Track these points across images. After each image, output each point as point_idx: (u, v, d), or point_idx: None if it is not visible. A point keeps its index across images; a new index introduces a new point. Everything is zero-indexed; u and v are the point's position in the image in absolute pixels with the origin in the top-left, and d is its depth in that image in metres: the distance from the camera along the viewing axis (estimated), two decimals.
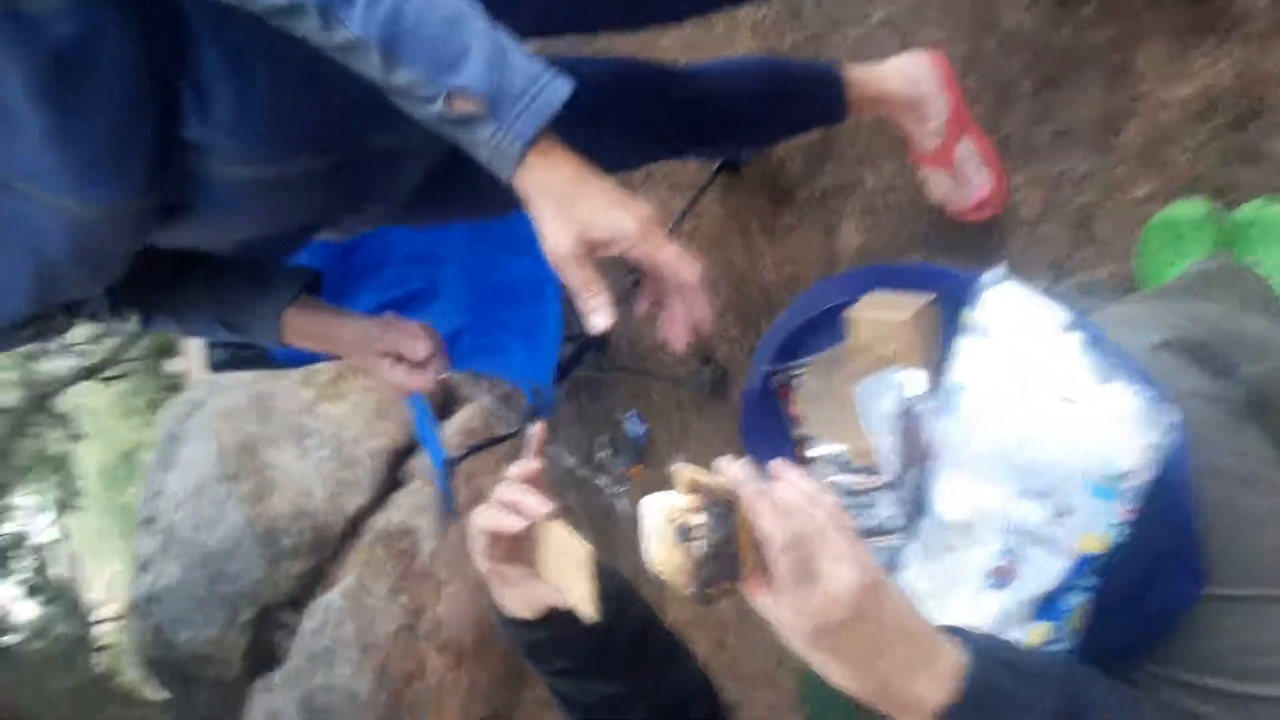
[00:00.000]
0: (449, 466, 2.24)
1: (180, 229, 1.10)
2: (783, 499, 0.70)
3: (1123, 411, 0.83)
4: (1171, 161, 1.39)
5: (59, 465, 11.54)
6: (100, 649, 9.48)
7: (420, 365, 1.23)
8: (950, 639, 0.70)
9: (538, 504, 0.84)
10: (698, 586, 0.71)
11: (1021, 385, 0.88)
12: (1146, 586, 0.88)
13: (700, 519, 0.71)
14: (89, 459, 14.30)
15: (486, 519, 0.85)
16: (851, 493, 1.21)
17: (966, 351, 0.95)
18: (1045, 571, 0.87)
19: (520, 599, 0.90)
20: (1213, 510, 0.85)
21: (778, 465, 0.76)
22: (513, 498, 0.84)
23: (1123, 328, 0.97)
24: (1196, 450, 0.85)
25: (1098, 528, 0.83)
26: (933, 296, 1.06)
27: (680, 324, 0.98)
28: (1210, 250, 1.31)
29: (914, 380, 1.02)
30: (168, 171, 0.99)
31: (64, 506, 12.98)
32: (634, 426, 2.75)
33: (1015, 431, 0.87)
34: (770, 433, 1.27)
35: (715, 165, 2.16)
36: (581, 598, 0.81)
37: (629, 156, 1.53)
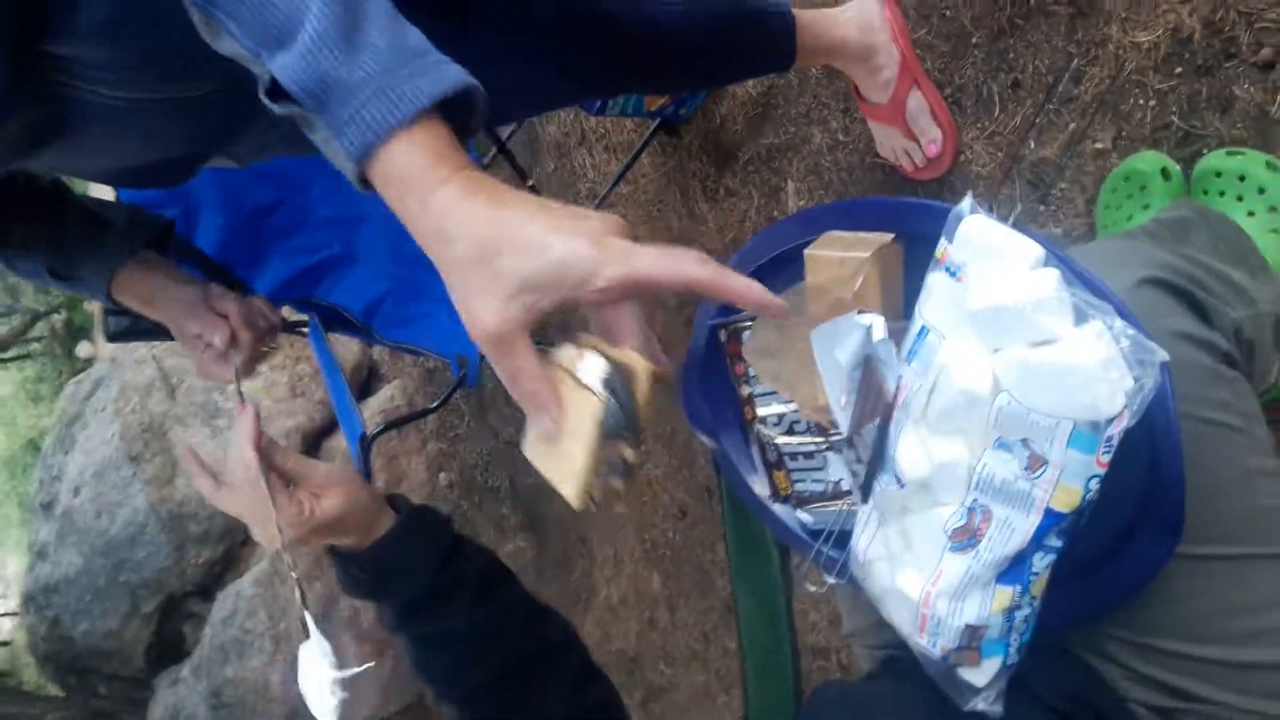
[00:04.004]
0: (365, 443, 2.11)
1: (48, 154, 0.96)
2: None
3: (1104, 352, 0.75)
4: (1134, 110, 1.33)
5: None
6: (1, 644, 9.08)
7: (222, 355, 1.13)
8: None
9: None
10: (594, 451, 0.62)
11: (993, 327, 0.80)
12: (1117, 548, 0.84)
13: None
14: None
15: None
16: (799, 454, 1.14)
17: (935, 290, 0.87)
18: (1014, 530, 0.79)
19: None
20: (1191, 463, 0.78)
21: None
22: None
23: (1101, 263, 0.90)
24: (1180, 396, 0.78)
25: (1074, 480, 0.76)
26: (894, 234, 0.97)
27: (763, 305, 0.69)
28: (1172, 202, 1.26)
29: (876, 324, 0.94)
30: (27, 90, 0.84)
31: None
32: None
33: (986, 377, 0.79)
34: (712, 394, 1.19)
35: (652, 125, 2.07)
36: (573, 470, 0.65)
37: (555, 96, 1.43)
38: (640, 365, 0.66)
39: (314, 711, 0.78)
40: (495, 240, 0.61)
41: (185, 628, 3.27)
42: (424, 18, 0.70)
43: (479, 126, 0.68)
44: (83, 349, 11.25)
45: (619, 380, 0.64)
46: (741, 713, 1.23)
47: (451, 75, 0.63)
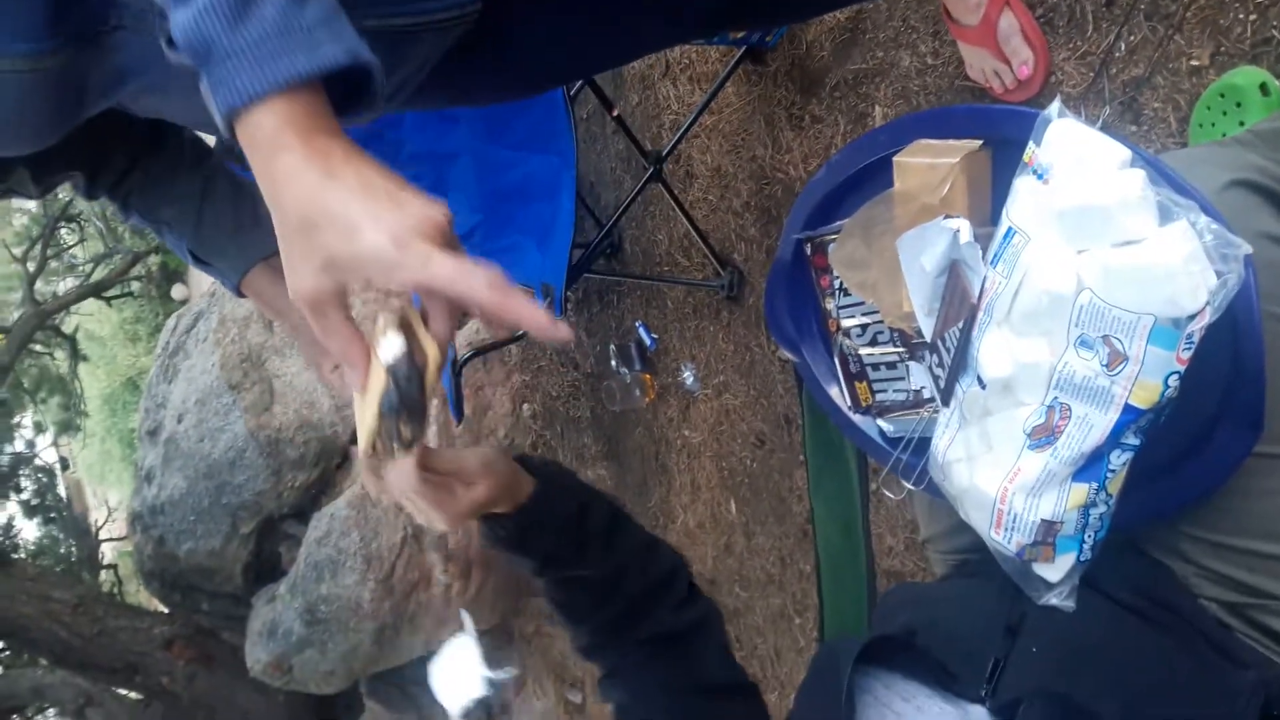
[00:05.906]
0: (456, 368, 2.19)
1: (150, 102, 0.97)
2: None
3: (1187, 248, 0.75)
4: (1233, 25, 1.30)
5: (61, 386, 11.56)
6: (107, 567, 9.60)
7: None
8: None
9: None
10: (378, 418, 0.71)
11: (1079, 227, 0.80)
12: (1195, 447, 0.84)
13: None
14: (91, 386, 14.32)
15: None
16: (883, 365, 1.16)
17: (1022, 194, 0.88)
18: (1092, 427, 0.80)
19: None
20: (1273, 363, 0.78)
21: None
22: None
23: (1190, 167, 0.90)
24: (1264, 295, 0.78)
25: (1153, 376, 0.77)
26: (981, 141, 0.98)
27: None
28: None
29: (963, 227, 0.95)
30: (75, 27, 0.82)
31: (65, 428, 13.07)
32: (644, 333, 2.70)
33: (1070, 277, 0.80)
34: (796, 307, 1.21)
35: (737, 54, 2.07)
36: (364, 424, 0.74)
37: (657, 39, 1.43)
38: (433, 355, 0.73)
39: (444, 698, 0.89)
40: (316, 216, 0.66)
41: (282, 547, 3.43)
42: None
43: (375, 98, 0.71)
44: (177, 291, 11.66)
45: (405, 368, 0.70)
46: (816, 634, 1.26)
47: (333, 54, 0.66)
